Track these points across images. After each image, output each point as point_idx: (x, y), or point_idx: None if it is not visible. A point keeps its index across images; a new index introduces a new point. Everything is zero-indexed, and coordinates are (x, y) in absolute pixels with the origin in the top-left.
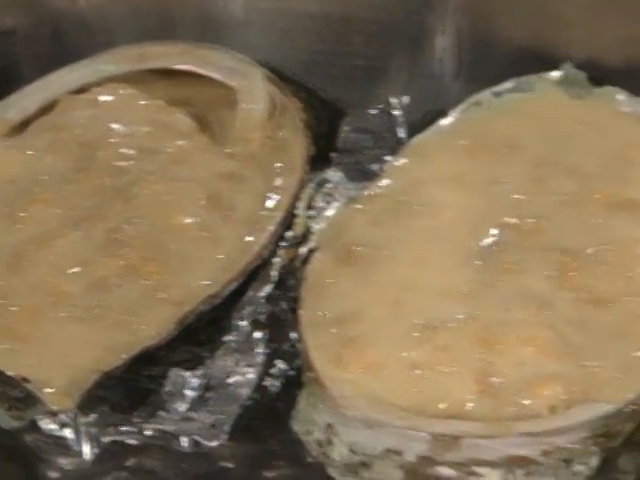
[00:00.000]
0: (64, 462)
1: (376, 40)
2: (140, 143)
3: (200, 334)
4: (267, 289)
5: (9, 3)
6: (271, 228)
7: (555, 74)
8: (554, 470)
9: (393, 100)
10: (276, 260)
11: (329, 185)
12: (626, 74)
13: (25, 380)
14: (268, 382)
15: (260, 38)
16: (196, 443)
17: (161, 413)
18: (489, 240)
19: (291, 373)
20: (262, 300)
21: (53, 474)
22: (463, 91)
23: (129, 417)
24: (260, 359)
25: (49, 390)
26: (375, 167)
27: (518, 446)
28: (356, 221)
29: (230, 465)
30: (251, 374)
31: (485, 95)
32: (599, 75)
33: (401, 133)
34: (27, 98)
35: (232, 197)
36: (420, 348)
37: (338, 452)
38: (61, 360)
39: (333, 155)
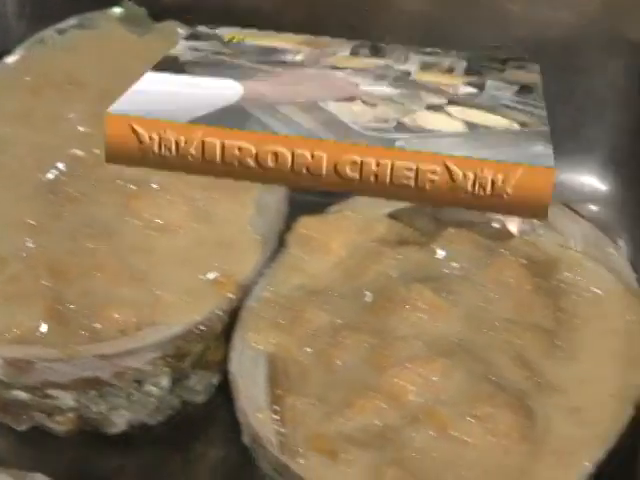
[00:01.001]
0: None
1: None
2: None
3: None
4: None
5: None
6: None
7: (116, 10)
8: (126, 391)
9: None
10: None
11: None
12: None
13: None
14: None
15: None
16: None
17: None
18: (56, 173)
19: None
20: None
21: None
22: (28, 30)
23: None
24: None
25: None
26: None
27: (89, 369)
28: None
29: None
30: None
31: (49, 33)
32: (158, 11)
33: None
34: None
35: None
36: None
37: None
38: None
39: None
